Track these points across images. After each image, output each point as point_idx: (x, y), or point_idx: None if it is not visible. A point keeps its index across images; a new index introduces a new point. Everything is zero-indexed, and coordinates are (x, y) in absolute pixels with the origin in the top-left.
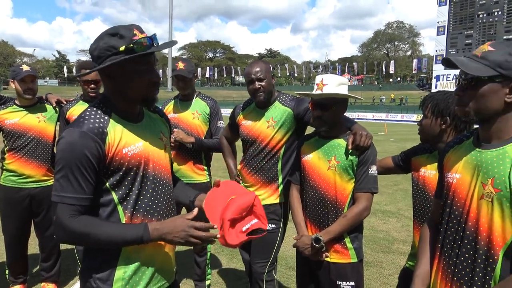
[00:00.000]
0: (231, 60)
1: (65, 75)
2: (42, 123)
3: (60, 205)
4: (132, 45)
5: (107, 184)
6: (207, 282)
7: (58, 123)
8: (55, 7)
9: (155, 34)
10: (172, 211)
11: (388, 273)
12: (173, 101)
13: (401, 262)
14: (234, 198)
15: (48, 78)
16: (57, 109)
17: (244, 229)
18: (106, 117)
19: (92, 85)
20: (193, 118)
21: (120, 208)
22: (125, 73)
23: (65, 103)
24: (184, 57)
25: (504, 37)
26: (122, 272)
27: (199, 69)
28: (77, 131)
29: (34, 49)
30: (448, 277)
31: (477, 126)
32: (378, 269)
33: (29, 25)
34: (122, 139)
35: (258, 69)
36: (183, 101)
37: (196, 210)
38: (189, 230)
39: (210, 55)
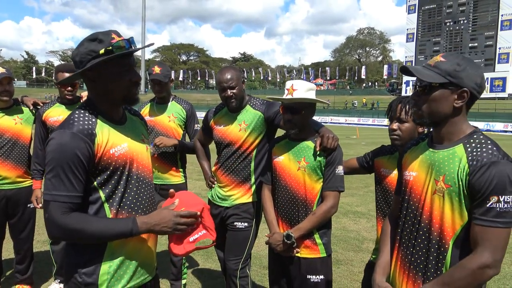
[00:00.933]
0: (205, 63)
1: (34, 77)
2: (18, 125)
3: (52, 203)
4: (110, 48)
5: (95, 183)
6: (183, 282)
7: (34, 125)
8: (23, 7)
9: (132, 37)
10: (153, 208)
11: (358, 270)
12: (149, 104)
13: None
14: (183, 211)
15: (16, 80)
16: (34, 111)
17: (191, 239)
18: (93, 119)
19: (69, 88)
20: (169, 121)
21: (106, 205)
22: (106, 75)
23: (42, 105)
24: (157, 59)
25: (470, 45)
26: (107, 267)
27: (173, 72)
28: (68, 132)
29: (1, 49)
30: (406, 265)
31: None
32: (348, 267)
33: None
34: (109, 140)
35: (229, 77)
36: (159, 104)
37: (177, 201)
38: (175, 219)
39: (184, 58)
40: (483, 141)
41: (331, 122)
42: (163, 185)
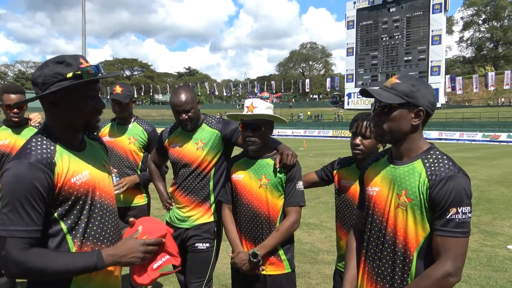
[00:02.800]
0: (150, 78)
1: None
2: None
3: (9, 239)
4: (80, 72)
5: (56, 214)
6: None
7: None
8: None
9: (99, 64)
10: (119, 237)
11: (316, 282)
12: (110, 123)
13: (327, 271)
14: (145, 239)
15: None
16: None
17: (155, 266)
18: (52, 147)
19: (15, 110)
20: (129, 143)
21: (69, 237)
22: (72, 99)
23: None
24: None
25: (405, 58)
26: None
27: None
28: (25, 162)
29: None
30: (373, 278)
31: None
32: (306, 279)
33: None
34: (70, 168)
35: (183, 100)
36: (120, 125)
37: (141, 228)
38: (142, 248)
39: (128, 73)
40: (439, 156)
41: (278, 135)
42: (126, 207)
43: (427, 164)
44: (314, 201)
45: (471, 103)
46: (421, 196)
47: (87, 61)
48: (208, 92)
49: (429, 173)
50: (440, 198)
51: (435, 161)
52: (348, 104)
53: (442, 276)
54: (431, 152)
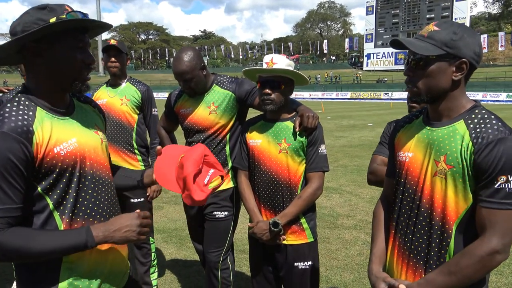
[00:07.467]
0: (165, 42)
1: None
2: None
3: None
4: (65, 16)
5: (39, 189)
6: (152, 274)
7: None
8: None
9: (87, 13)
10: (116, 211)
11: (335, 248)
12: (102, 86)
13: (347, 236)
14: (185, 156)
15: None
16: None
17: (205, 182)
18: (30, 113)
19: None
20: (121, 104)
21: (56, 214)
22: (58, 50)
23: (6, 91)
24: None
25: (427, 16)
26: (66, 284)
27: (132, 52)
28: None
29: None
30: (405, 253)
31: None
32: (325, 245)
33: None
34: (52, 137)
35: (182, 69)
36: (113, 86)
37: (138, 211)
38: (138, 221)
39: (143, 37)
40: (486, 116)
41: (295, 97)
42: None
43: (471, 125)
44: (332, 165)
45: (495, 62)
46: (464, 163)
47: (73, 10)
48: (224, 56)
49: (473, 135)
50: (488, 164)
51: (481, 121)
52: (367, 65)
53: (487, 254)
54: (476, 111)
